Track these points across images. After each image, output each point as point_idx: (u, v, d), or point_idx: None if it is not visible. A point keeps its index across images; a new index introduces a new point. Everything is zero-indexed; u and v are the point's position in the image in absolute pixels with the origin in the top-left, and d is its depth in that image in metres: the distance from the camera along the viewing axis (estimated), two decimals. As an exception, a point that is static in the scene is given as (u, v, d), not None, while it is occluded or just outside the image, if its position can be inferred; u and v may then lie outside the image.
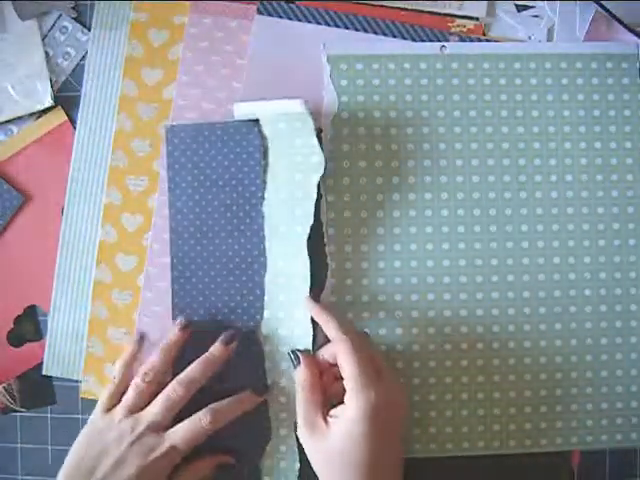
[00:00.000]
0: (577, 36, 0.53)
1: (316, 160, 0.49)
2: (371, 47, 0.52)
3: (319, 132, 0.52)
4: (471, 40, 0.52)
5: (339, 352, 0.45)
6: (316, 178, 0.49)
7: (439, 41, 0.52)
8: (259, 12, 0.53)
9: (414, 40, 0.53)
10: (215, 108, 0.53)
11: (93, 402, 0.54)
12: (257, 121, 0.51)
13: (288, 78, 0.53)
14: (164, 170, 0.53)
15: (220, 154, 0.52)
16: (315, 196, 0.50)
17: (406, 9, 0.53)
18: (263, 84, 0.53)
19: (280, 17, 0.53)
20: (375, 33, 0.53)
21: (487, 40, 0.53)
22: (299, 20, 0.53)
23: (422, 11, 0.53)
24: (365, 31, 0.53)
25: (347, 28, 0.53)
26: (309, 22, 0.53)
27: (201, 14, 0.53)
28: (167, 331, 0.52)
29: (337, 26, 0.53)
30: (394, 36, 0.53)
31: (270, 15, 0.53)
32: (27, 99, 0.54)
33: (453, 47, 0.52)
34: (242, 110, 0.52)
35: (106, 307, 0.54)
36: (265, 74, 0.53)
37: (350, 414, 0.44)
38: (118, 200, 0.54)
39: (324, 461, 0.45)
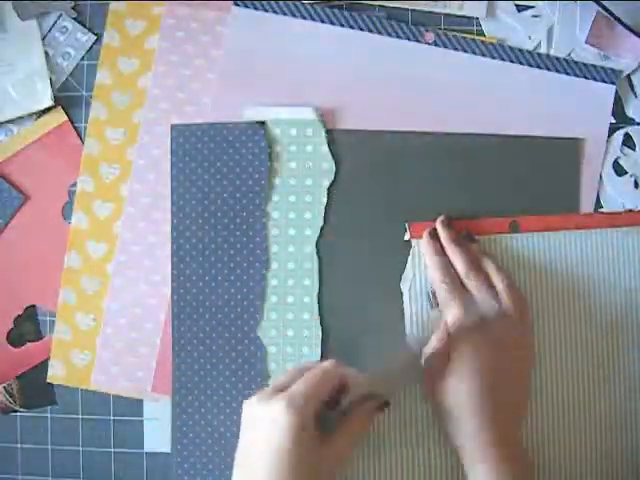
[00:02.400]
0: (578, 37, 0.53)
1: (326, 167, 0.52)
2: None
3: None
4: (448, 39, 0.53)
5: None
6: (326, 183, 0.52)
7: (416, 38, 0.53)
8: (236, 3, 0.53)
9: (399, 37, 0.53)
10: (189, 98, 0.53)
11: (92, 401, 0.54)
12: (263, 123, 0.52)
13: (264, 70, 0.53)
14: (139, 159, 0.53)
15: (225, 154, 0.52)
16: (325, 200, 0.52)
17: (406, 9, 0.53)
18: (238, 76, 0.53)
19: (256, 9, 0.53)
20: (351, 27, 0.53)
21: (482, 41, 0.53)
22: (275, 12, 0.53)
23: (422, 11, 0.53)
24: (341, 25, 0.53)
25: (322, 22, 0.53)
26: (285, 15, 0.53)
27: (178, 4, 0.53)
28: (134, 319, 0.53)
29: (313, 19, 0.53)
30: (370, 31, 0.53)
31: (247, 7, 0.53)
32: (27, 99, 0.54)
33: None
34: (252, 115, 0.52)
35: (75, 293, 0.54)
36: (240, 66, 0.53)
37: None
38: (90, 187, 0.54)
39: None
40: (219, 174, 0.52)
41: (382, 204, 0.52)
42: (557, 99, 0.53)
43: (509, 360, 0.46)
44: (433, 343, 0.47)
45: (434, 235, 0.50)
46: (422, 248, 0.50)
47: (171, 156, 0.53)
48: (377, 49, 0.53)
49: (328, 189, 0.52)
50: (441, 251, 0.49)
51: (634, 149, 0.53)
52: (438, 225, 0.50)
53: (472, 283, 0.48)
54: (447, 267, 0.49)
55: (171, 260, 0.53)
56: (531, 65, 0.53)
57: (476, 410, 0.44)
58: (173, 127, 0.53)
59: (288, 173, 0.52)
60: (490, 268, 0.49)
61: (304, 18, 0.53)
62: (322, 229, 0.52)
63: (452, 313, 0.47)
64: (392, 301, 0.52)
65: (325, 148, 0.52)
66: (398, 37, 0.53)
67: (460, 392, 0.45)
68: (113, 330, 0.54)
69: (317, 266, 0.52)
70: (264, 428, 0.40)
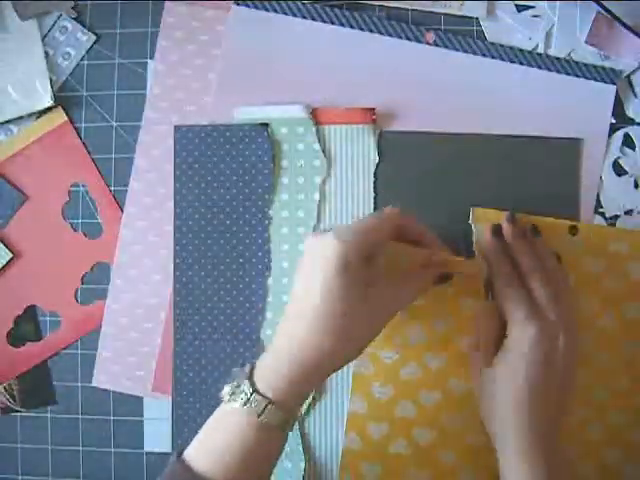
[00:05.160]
0: (578, 37, 0.53)
1: (318, 164, 0.52)
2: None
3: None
4: (448, 39, 0.53)
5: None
6: (318, 180, 0.52)
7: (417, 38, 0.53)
8: (236, 3, 0.53)
9: (400, 37, 0.53)
10: (189, 98, 0.53)
11: (92, 401, 0.54)
12: (267, 125, 0.52)
13: (264, 69, 0.53)
14: (139, 159, 0.53)
15: (228, 156, 0.52)
16: (317, 197, 0.52)
17: (406, 9, 0.53)
18: (238, 75, 0.53)
19: (257, 8, 0.53)
20: (351, 27, 0.53)
21: (482, 41, 0.53)
22: (275, 12, 0.53)
23: (422, 11, 0.53)
24: (342, 25, 0.53)
25: (324, 22, 0.53)
26: (285, 14, 0.53)
27: (178, 4, 0.53)
28: (135, 319, 0.53)
29: (313, 19, 0.53)
30: (370, 31, 0.53)
31: (247, 6, 0.53)
32: (27, 99, 0.54)
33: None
34: (243, 114, 0.52)
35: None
36: (240, 65, 0.53)
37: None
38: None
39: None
40: (222, 176, 0.52)
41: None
42: (557, 99, 0.53)
43: (560, 365, 0.46)
44: (486, 330, 0.48)
45: (498, 231, 0.49)
46: (484, 244, 0.50)
47: (174, 157, 0.53)
48: (377, 49, 0.53)
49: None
50: (504, 248, 0.49)
51: (634, 149, 0.53)
52: (504, 222, 0.49)
53: (535, 282, 0.47)
54: (510, 264, 0.48)
55: (173, 262, 0.53)
56: (531, 65, 0.53)
57: (522, 408, 0.44)
58: (176, 129, 0.53)
59: (280, 172, 0.52)
60: (552, 265, 0.49)
61: (304, 18, 0.53)
62: (314, 227, 0.52)
63: (517, 317, 0.46)
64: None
65: (316, 145, 0.52)
66: (398, 37, 0.53)
67: (509, 387, 0.45)
68: (113, 330, 0.54)
69: None
70: (313, 260, 0.42)
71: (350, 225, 0.44)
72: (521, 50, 0.53)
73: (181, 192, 0.52)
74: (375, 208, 0.52)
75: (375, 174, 0.52)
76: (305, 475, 0.51)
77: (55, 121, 0.54)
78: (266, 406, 0.40)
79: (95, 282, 0.54)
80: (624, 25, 0.51)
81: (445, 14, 0.53)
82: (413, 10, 0.54)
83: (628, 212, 0.54)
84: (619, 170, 0.54)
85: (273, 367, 0.41)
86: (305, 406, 0.51)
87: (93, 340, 0.54)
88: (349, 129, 0.52)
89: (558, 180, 0.53)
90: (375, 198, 0.52)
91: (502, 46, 0.53)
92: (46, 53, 0.54)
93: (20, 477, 0.55)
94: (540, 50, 0.53)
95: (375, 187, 0.52)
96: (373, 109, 0.52)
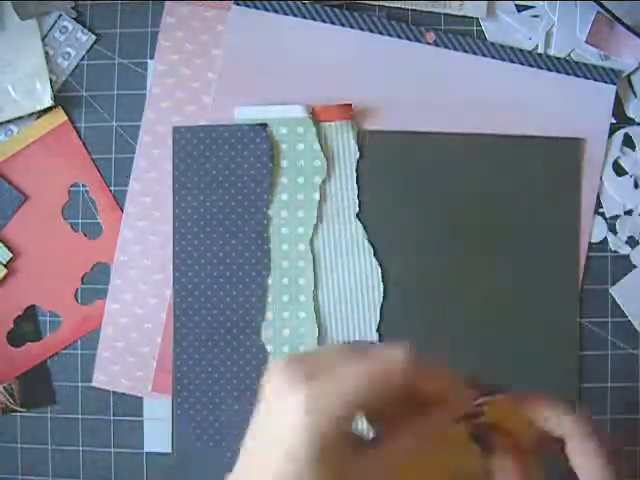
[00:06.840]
0: (578, 37, 0.53)
1: (318, 164, 0.52)
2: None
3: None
4: (448, 39, 0.53)
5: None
6: (318, 180, 0.52)
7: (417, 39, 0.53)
8: (236, 3, 0.53)
9: (400, 37, 0.53)
10: (189, 98, 0.53)
11: (92, 401, 0.54)
12: (265, 125, 0.52)
13: (264, 69, 0.53)
14: (139, 159, 0.53)
15: (227, 156, 0.52)
16: (318, 198, 0.52)
17: (406, 9, 0.53)
18: (238, 75, 0.53)
19: (257, 8, 0.53)
20: (352, 27, 0.53)
21: (482, 41, 0.53)
22: (275, 12, 0.53)
23: (422, 11, 0.53)
24: (342, 25, 0.53)
25: (324, 22, 0.53)
26: (286, 14, 0.53)
27: (178, 4, 0.53)
28: (135, 319, 0.53)
29: (314, 19, 0.53)
30: (370, 31, 0.53)
31: (247, 6, 0.53)
32: (27, 99, 0.54)
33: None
34: (243, 114, 0.52)
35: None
36: (240, 65, 0.53)
37: None
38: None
39: None
40: (221, 176, 0.52)
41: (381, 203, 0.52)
42: (557, 99, 0.53)
43: None
44: None
45: None
46: None
47: (173, 158, 0.53)
48: (377, 49, 0.53)
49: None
50: None
51: (634, 149, 0.54)
52: None
53: None
54: None
55: (173, 262, 0.53)
56: (531, 65, 0.53)
57: None
58: (175, 129, 0.53)
59: (280, 172, 0.52)
60: None
61: (304, 17, 0.53)
62: (315, 227, 0.52)
63: None
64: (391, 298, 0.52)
65: (316, 145, 0.52)
66: (398, 37, 0.53)
67: None
68: (113, 330, 0.54)
69: (311, 264, 0.52)
70: (276, 422, 0.28)
71: (333, 385, 0.27)
72: (521, 50, 0.53)
73: (180, 193, 0.52)
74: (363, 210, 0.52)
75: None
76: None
77: (55, 121, 0.54)
78: None
79: (95, 282, 0.54)
80: (624, 25, 0.51)
81: (445, 14, 0.53)
82: (413, 10, 0.54)
83: (628, 212, 0.54)
84: (619, 170, 0.54)
85: None
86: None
87: (93, 340, 0.54)
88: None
89: (558, 180, 0.53)
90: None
91: (502, 46, 0.53)
92: (46, 53, 0.54)
93: (20, 477, 0.55)
94: (540, 50, 0.53)
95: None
96: (350, 104, 0.51)
